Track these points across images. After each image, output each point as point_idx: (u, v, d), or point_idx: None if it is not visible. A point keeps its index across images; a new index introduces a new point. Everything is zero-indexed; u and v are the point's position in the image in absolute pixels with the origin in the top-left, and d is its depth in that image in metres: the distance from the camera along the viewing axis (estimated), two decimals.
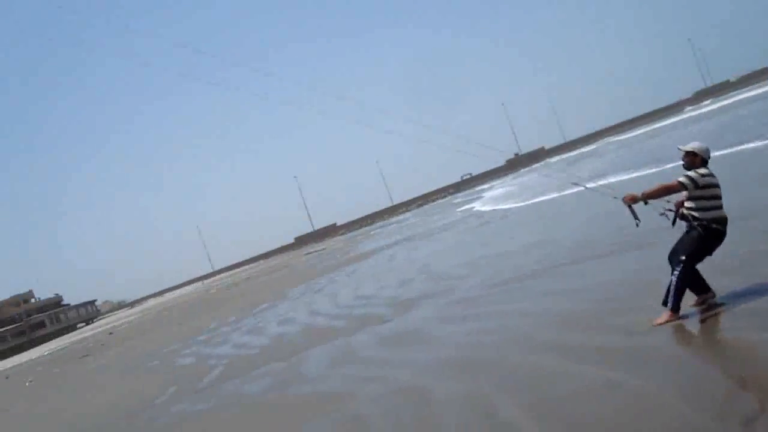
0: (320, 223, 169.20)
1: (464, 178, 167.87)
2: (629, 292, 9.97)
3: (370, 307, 17.90)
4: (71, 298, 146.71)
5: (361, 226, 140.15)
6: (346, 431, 8.21)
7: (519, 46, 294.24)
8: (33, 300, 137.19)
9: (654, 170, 27.80)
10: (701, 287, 8.03)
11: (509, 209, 37.91)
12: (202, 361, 18.70)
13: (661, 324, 7.89)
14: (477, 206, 55.05)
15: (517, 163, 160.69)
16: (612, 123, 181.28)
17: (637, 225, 8.40)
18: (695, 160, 7.92)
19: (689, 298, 8.05)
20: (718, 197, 7.80)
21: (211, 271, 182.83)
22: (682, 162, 8.12)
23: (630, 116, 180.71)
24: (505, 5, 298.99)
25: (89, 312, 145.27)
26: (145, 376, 20.12)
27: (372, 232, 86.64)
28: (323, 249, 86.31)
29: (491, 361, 8.86)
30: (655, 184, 8.09)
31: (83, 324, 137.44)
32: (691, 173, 7.77)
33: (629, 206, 8.16)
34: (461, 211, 55.59)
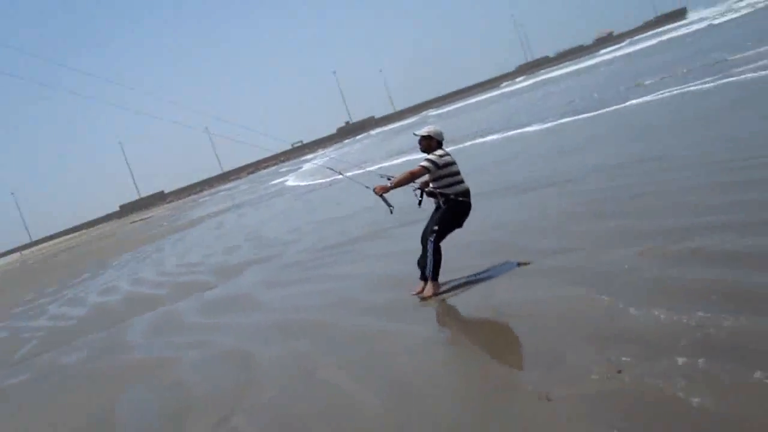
0: (147, 191, 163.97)
1: (295, 145, 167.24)
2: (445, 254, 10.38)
3: (195, 274, 17.64)
4: None
5: (189, 194, 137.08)
6: (168, 396, 8.08)
7: (351, 15, 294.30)
8: None
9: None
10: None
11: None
12: (16, 334, 17.77)
13: (431, 296, 8.36)
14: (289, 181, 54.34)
15: (347, 131, 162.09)
16: (440, 94, 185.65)
17: (391, 212, 8.77)
18: (431, 143, 8.51)
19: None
20: (458, 173, 8.41)
21: (29, 241, 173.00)
22: (419, 146, 8.65)
23: (457, 88, 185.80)
24: None
25: None
26: None
27: (201, 200, 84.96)
28: (150, 217, 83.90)
29: (314, 324, 8.95)
30: (402, 172, 8.52)
31: None
32: (431, 156, 8.31)
33: (381, 196, 8.51)
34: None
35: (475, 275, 8.63)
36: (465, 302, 7.74)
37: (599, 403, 4.59)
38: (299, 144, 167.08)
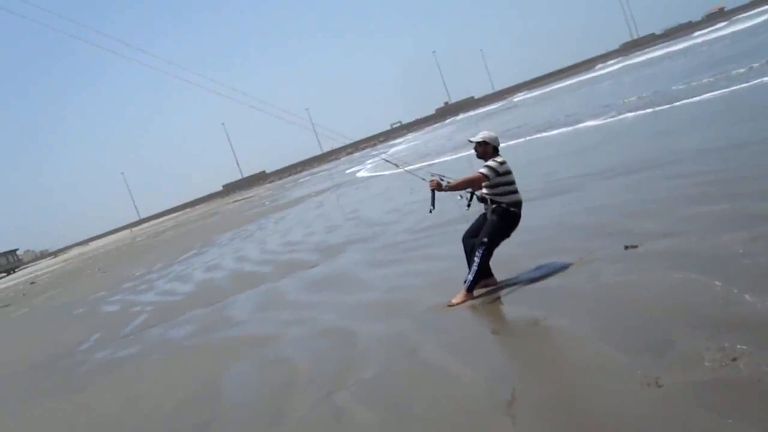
0: (249, 171, 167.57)
1: (394, 126, 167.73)
2: (549, 235, 10.24)
3: (297, 252, 17.92)
4: None
5: (290, 174, 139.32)
6: (271, 372, 8.25)
7: None
8: None
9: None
10: (486, 272, 8.39)
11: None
12: (127, 308, 18.49)
13: (457, 304, 8.23)
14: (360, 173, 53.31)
15: (446, 112, 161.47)
16: (540, 74, 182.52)
17: (431, 211, 8.66)
18: (487, 149, 8.39)
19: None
20: (514, 182, 8.29)
21: (137, 219, 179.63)
22: (475, 152, 8.53)
23: (558, 67, 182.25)
24: None
25: (10, 262, 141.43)
26: (68, 324, 19.79)
27: (301, 180, 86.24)
28: (252, 196, 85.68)
29: (415, 303, 8.97)
30: (460, 177, 8.39)
31: (4, 274, 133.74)
32: (490, 163, 8.18)
33: (433, 191, 8.39)
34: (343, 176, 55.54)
35: (579, 258, 8.46)
36: (571, 284, 7.59)
37: (712, 391, 4.44)
38: (398, 124, 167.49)
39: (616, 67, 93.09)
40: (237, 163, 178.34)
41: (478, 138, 8.47)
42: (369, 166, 56.99)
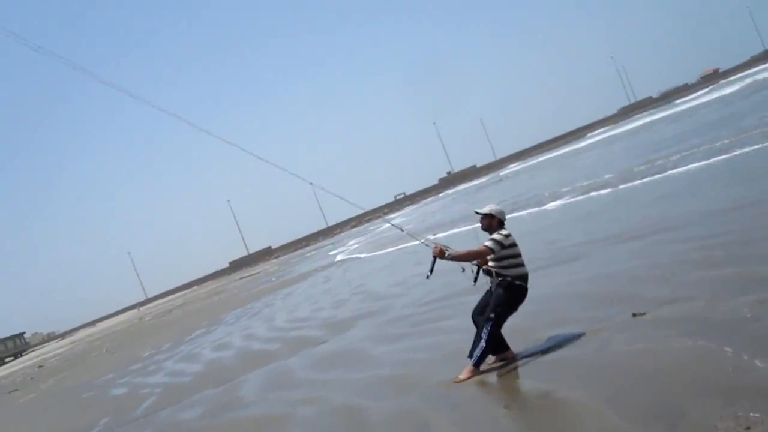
0: (255, 247, 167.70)
1: (398, 197, 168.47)
2: (556, 305, 10.25)
3: (305, 329, 17.87)
4: None
5: (296, 249, 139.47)
6: None
7: (445, 65, 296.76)
8: None
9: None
10: (501, 346, 8.38)
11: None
12: (135, 390, 18.36)
13: (464, 380, 8.17)
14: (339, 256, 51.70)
15: (449, 182, 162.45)
16: (541, 140, 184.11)
17: (427, 277, 8.68)
18: (492, 222, 8.46)
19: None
20: (520, 255, 8.30)
21: (144, 298, 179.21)
22: (480, 224, 8.60)
23: (556, 134, 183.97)
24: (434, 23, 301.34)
25: (17, 345, 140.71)
26: (77, 408, 19.62)
27: (307, 255, 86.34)
28: (258, 272, 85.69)
29: (424, 378, 8.92)
30: (464, 249, 8.43)
31: (11, 358, 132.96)
32: (495, 236, 8.21)
33: (434, 258, 8.34)
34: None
35: (588, 328, 8.46)
36: (581, 355, 7.59)
37: None
38: (402, 196, 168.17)
39: (603, 136, 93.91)
40: (243, 240, 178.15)
41: (485, 210, 8.54)
42: (354, 246, 57.14)
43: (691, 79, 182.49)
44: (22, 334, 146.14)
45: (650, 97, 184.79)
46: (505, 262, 8.22)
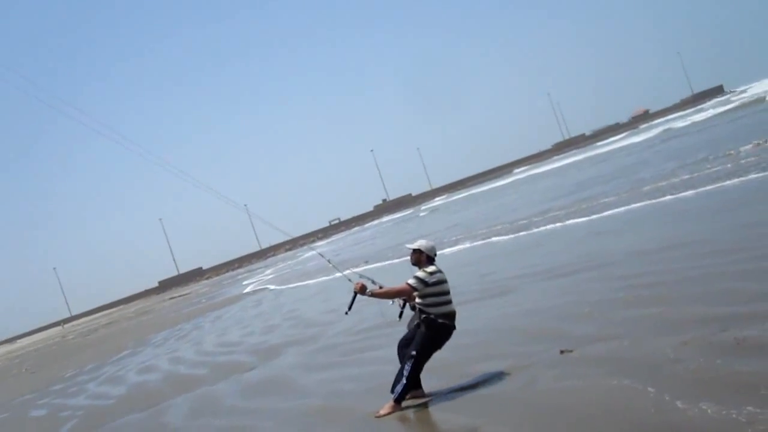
0: (186, 267, 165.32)
1: (332, 222, 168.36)
2: (485, 339, 10.36)
3: (234, 354, 17.67)
4: None
5: (227, 270, 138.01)
6: None
7: (384, 95, 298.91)
8: None
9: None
10: (417, 383, 8.36)
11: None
12: (56, 413, 17.83)
13: (384, 415, 8.18)
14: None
15: (384, 209, 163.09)
16: (477, 171, 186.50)
17: (346, 313, 8.81)
18: (421, 257, 8.42)
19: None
20: (447, 293, 8.24)
21: (69, 315, 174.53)
22: (410, 258, 8.59)
23: (494, 165, 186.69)
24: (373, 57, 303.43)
25: None
26: None
27: (239, 277, 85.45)
28: (188, 293, 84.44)
29: (354, 410, 8.91)
30: (387, 286, 8.45)
31: None
32: (420, 274, 8.19)
33: (355, 294, 8.42)
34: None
35: (516, 363, 8.57)
36: (508, 391, 7.67)
37: None
38: (336, 221, 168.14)
39: (523, 175, 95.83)
40: (173, 259, 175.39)
41: (414, 245, 8.51)
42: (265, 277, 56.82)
43: (623, 118, 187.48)
44: None
45: (583, 134, 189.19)
46: (428, 300, 8.15)
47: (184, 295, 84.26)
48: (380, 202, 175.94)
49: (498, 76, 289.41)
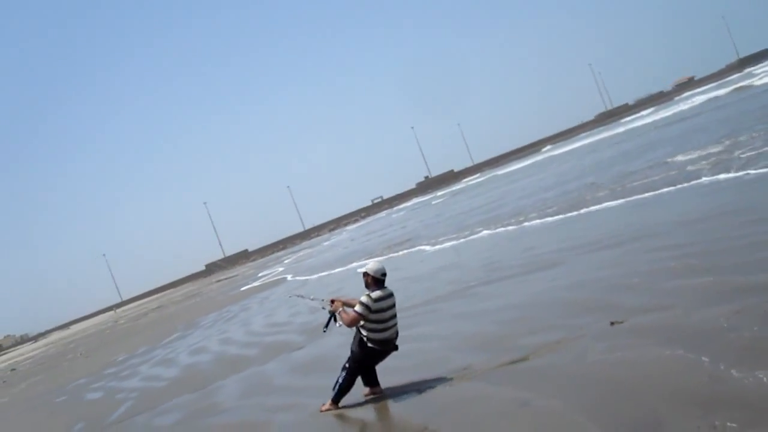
0: (231, 250, 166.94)
1: (375, 201, 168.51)
2: (533, 312, 10.28)
3: (283, 333, 17.82)
4: None
5: (272, 252, 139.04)
6: None
7: (424, 69, 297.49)
8: None
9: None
10: (373, 382, 8.96)
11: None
12: (111, 395, 18.21)
13: (325, 410, 8.86)
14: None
15: (426, 186, 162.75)
16: (519, 145, 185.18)
17: (324, 331, 9.55)
18: (368, 279, 8.76)
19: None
20: (386, 320, 8.54)
21: (119, 301, 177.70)
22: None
23: (532, 140, 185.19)
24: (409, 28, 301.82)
25: None
26: (50, 413, 19.42)
27: (284, 258, 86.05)
28: (235, 275, 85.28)
29: (404, 386, 8.92)
30: (348, 315, 8.70)
31: None
32: (364, 299, 8.50)
33: (332, 314, 9.03)
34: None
35: (565, 336, 8.50)
36: (557, 363, 7.62)
37: None
38: (379, 199, 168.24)
39: (559, 151, 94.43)
40: (219, 243, 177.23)
41: (364, 269, 8.88)
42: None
43: (667, 86, 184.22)
44: None
45: (626, 104, 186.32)
46: (367, 325, 8.53)
47: (230, 277, 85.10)
48: (422, 179, 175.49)
49: (539, 47, 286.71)
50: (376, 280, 8.67)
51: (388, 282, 8.77)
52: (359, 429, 8.01)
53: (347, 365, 8.74)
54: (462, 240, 24.43)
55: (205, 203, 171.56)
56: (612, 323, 8.24)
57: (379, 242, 41.01)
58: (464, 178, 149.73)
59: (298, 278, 37.81)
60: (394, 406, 8.24)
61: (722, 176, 16.67)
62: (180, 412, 12.53)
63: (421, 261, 22.90)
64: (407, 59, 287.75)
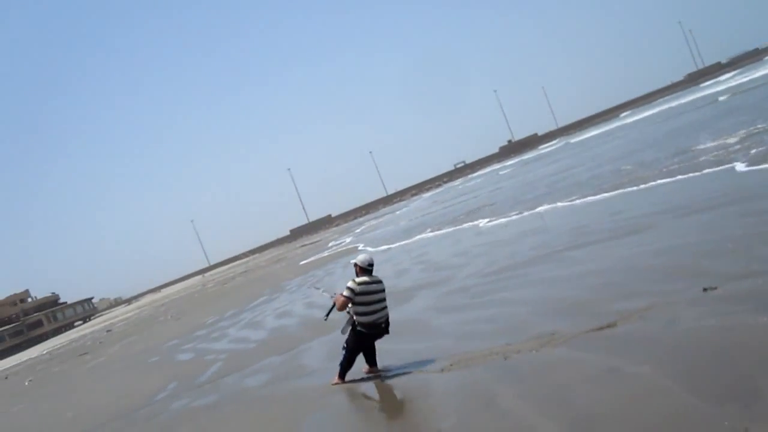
0: (315, 215, 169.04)
1: (457, 166, 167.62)
2: (621, 278, 10.08)
3: None
4: (68, 297, 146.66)
5: (355, 217, 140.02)
6: (348, 422, 8.27)
7: (510, 32, 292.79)
8: (29, 299, 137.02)
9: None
10: (371, 362, 9.90)
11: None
12: (201, 356, 18.76)
13: (335, 384, 9.86)
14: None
15: (510, 150, 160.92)
16: (602, 108, 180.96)
17: (325, 319, 10.37)
18: (357, 269, 9.71)
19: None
20: (372, 303, 9.43)
21: (207, 265, 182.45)
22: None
23: (622, 100, 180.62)
24: None
25: (86, 310, 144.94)
26: (145, 372, 20.16)
27: (367, 223, 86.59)
28: (318, 240, 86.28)
29: (489, 351, 8.88)
30: (338, 300, 9.63)
31: (80, 322, 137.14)
32: (350, 284, 9.49)
33: (334, 304, 9.82)
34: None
35: (655, 301, 8.31)
36: (647, 329, 7.45)
37: None
38: (461, 164, 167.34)
39: (639, 116, 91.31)
40: (303, 208, 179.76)
41: (354, 260, 9.87)
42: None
43: (762, 43, 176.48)
44: (90, 299, 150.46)
45: (719, 62, 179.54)
46: (356, 308, 9.45)
47: (314, 242, 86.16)
48: (506, 143, 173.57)
49: (626, 4, 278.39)
50: (363, 270, 9.58)
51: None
52: (442, 394, 7.98)
53: (344, 347, 9.73)
54: (545, 206, 24.05)
55: (289, 169, 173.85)
56: (705, 289, 8.00)
57: (460, 208, 40.80)
58: (547, 141, 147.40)
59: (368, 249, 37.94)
60: (477, 372, 8.21)
61: None
62: (268, 374, 12.81)
63: (506, 227, 22.67)
64: (492, 21, 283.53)
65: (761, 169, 14.93)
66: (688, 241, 10.96)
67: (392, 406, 8.24)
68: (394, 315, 13.96)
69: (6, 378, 44.80)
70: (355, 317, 9.46)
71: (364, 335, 9.51)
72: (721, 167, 17.32)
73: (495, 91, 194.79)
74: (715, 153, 20.43)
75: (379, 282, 9.56)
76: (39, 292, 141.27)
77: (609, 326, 8.05)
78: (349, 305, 9.48)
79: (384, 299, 9.58)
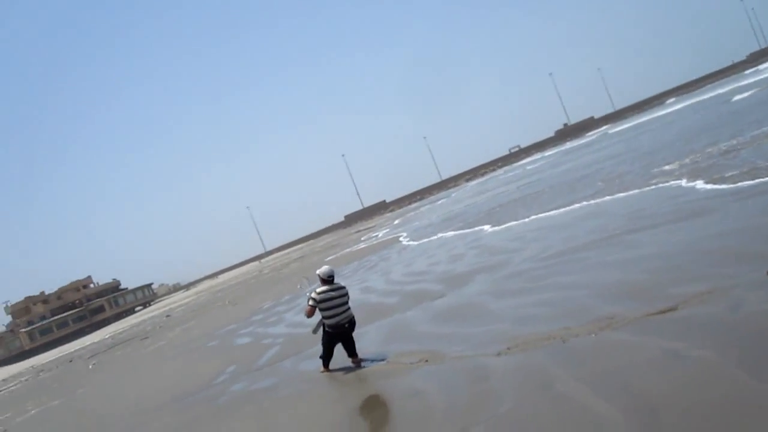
0: (369, 201, 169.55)
1: (512, 150, 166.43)
2: (682, 261, 9.92)
3: (423, 282, 17.97)
4: (128, 283, 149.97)
5: (410, 203, 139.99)
6: (407, 404, 8.31)
7: (564, 15, 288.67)
8: (92, 285, 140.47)
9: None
10: (351, 353, 11.40)
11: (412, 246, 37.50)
12: (258, 341, 19.02)
13: (323, 372, 11.61)
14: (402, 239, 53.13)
15: (565, 134, 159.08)
16: (658, 91, 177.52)
17: (313, 332, 11.82)
18: (320, 280, 11.30)
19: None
20: (334, 307, 11.07)
21: (263, 251, 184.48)
22: None
23: (684, 80, 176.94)
24: None
25: (146, 295, 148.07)
26: (204, 356, 20.51)
27: (421, 208, 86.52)
28: (373, 226, 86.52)
29: (546, 335, 8.85)
30: (306, 309, 11.50)
31: (141, 307, 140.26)
32: (313, 295, 11.18)
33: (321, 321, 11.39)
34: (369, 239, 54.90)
35: (716, 285, 8.16)
36: (709, 312, 7.34)
37: None
38: (516, 149, 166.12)
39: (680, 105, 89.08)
40: (357, 194, 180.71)
41: (317, 272, 11.55)
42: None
43: None
44: (150, 284, 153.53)
45: None
46: (322, 312, 11.15)
47: (369, 227, 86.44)
48: (561, 126, 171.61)
49: None
50: (323, 280, 11.18)
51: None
52: (487, 377, 7.98)
53: (322, 342, 11.41)
54: (598, 190, 23.72)
55: (343, 155, 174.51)
56: None
57: (513, 191, 40.49)
58: (605, 124, 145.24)
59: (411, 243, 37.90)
60: (534, 356, 8.18)
61: None
62: None
63: (562, 211, 22.44)
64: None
65: None
66: (751, 224, 10.73)
67: (450, 390, 8.25)
68: (451, 299, 14.03)
69: (71, 361, 46.05)
70: (324, 320, 11.14)
71: (332, 334, 11.16)
72: None
73: (550, 74, 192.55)
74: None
75: (341, 288, 11.20)
76: (101, 278, 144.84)
77: (670, 310, 7.94)
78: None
79: (345, 303, 11.20)
